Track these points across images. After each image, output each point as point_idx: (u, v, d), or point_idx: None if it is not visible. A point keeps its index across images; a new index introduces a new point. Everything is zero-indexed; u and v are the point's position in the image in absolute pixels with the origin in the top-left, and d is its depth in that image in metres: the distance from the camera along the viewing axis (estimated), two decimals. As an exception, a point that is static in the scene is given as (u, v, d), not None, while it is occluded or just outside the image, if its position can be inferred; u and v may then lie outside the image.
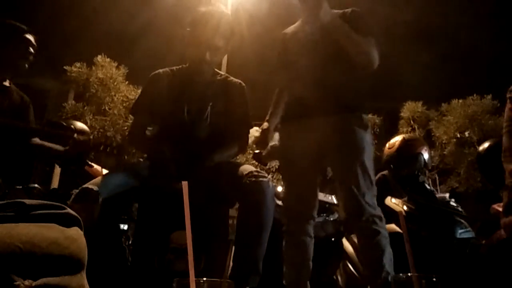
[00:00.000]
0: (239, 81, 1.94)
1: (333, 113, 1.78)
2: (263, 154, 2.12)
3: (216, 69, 1.95)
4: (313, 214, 1.88)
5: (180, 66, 1.94)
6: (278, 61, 2.05)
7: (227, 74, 1.97)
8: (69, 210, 0.87)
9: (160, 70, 1.92)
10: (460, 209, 2.44)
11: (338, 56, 1.78)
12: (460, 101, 7.07)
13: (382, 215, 1.73)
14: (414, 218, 2.27)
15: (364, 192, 1.71)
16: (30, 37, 2.07)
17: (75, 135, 2.07)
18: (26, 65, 2.06)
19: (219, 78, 1.92)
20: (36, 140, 2.11)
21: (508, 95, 1.12)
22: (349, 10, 1.88)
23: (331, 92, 1.78)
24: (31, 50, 2.07)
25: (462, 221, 2.36)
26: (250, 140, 2.06)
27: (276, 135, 2.05)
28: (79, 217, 0.88)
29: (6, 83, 2.08)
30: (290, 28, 2.04)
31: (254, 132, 2.17)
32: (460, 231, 2.30)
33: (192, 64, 1.88)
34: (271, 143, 2.04)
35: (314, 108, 1.80)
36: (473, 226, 2.41)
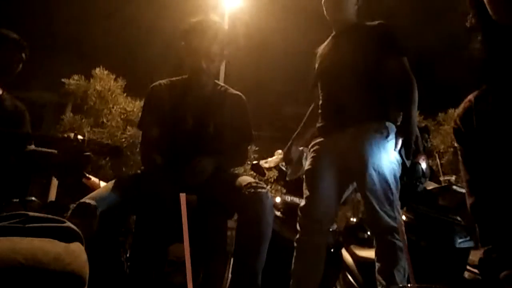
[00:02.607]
0: (240, 93, 1.95)
1: (354, 124, 1.82)
2: (288, 172, 2.18)
3: (216, 81, 1.96)
4: (331, 226, 1.93)
5: (180, 77, 1.94)
6: (313, 78, 2.11)
7: (227, 86, 1.98)
8: (70, 224, 0.87)
9: (159, 82, 1.92)
10: (459, 218, 2.43)
11: (361, 68, 1.83)
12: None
13: (397, 225, 1.70)
14: (413, 228, 2.26)
15: (382, 201, 1.71)
16: (17, 42, 2.04)
17: (72, 135, 2.02)
18: (16, 69, 2.03)
19: (219, 89, 1.93)
20: (32, 146, 2.07)
21: (453, 125, 0.92)
22: (375, 23, 1.93)
23: (353, 104, 1.82)
24: (21, 55, 2.04)
25: (461, 230, 2.35)
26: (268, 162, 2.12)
27: (300, 153, 2.11)
28: (80, 232, 0.87)
29: None
30: (322, 46, 2.11)
31: (277, 154, 2.24)
32: (459, 240, 2.29)
33: (191, 74, 1.88)
34: (295, 161, 2.09)
35: (339, 121, 1.86)
36: (473, 235, 2.39)
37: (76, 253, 0.83)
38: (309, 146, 2.02)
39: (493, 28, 0.75)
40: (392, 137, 1.79)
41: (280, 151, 2.34)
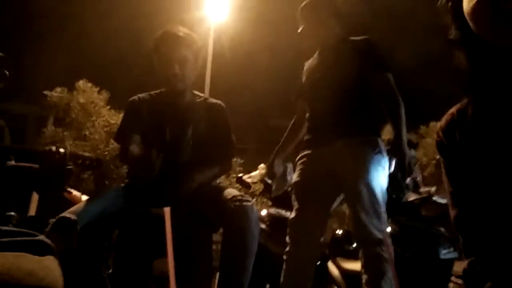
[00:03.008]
0: (219, 102, 1.95)
1: (342, 138, 1.84)
2: (273, 188, 2.20)
3: (195, 92, 1.96)
4: (320, 239, 1.93)
5: (159, 91, 1.94)
6: (298, 90, 2.14)
7: (206, 96, 1.99)
8: (42, 238, 0.85)
9: (138, 95, 1.92)
10: (443, 229, 2.46)
11: (349, 83, 1.85)
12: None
13: (382, 238, 1.73)
14: (397, 240, 2.28)
15: (370, 214, 1.73)
16: (1, 60, 2.04)
17: (54, 148, 1.99)
18: None
19: (198, 100, 1.93)
20: (12, 162, 2.03)
21: (436, 138, 0.93)
22: (360, 38, 1.97)
23: (341, 117, 1.85)
24: (5, 72, 2.04)
25: (445, 241, 2.37)
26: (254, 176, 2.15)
27: (284, 167, 2.12)
28: (52, 245, 0.85)
29: None
30: (309, 60, 2.13)
31: (260, 169, 2.26)
32: (443, 251, 2.31)
33: (166, 84, 1.88)
34: (278, 175, 2.11)
35: (328, 134, 1.88)
36: (457, 247, 2.42)
37: (50, 267, 0.81)
38: (296, 159, 2.03)
39: (477, 42, 0.76)
40: (379, 150, 1.82)
41: (263, 165, 2.35)
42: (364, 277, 1.73)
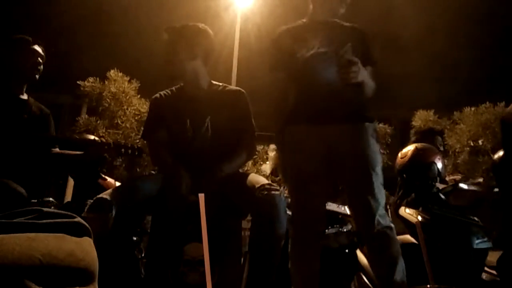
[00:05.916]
0: (238, 88, 1.96)
1: (347, 121, 1.73)
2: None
3: (213, 81, 1.96)
4: (320, 224, 1.78)
5: (179, 85, 1.96)
6: (279, 60, 1.88)
7: (225, 84, 1.98)
8: (79, 219, 0.89)
9: (160, 93, 1.96)
10: (476, 218, 2.39)
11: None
12: (473, 109, 6.98)
13: (392, 225, 1.68)
14: (429, 229, 2.23)
15: (379, 203, 1.67)
16: (37, 48, 2.10)
17: (97, 139, 2.09)
18: (37, 76, 2.09)
19: (216, 88, 1.94)
20: (56, 149, 2.13)
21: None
22: (357, 27, 1.87)
23: (347, 100, 1.74)
24: (40, 60, 2.09)
25: (479, 231, 2.31)
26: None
27: None
28: (89, 227, 0.89)
29: (24, 96, 2.11)
30: (294, 26, 1.96)
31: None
32: (476, 241, 2.25)
33: (182, 79, 1.91)
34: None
35: (328, 115, 1.73)
36: (490, 236, 2.35)
37: (87, 249, 0.85)
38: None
39: None
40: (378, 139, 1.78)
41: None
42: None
